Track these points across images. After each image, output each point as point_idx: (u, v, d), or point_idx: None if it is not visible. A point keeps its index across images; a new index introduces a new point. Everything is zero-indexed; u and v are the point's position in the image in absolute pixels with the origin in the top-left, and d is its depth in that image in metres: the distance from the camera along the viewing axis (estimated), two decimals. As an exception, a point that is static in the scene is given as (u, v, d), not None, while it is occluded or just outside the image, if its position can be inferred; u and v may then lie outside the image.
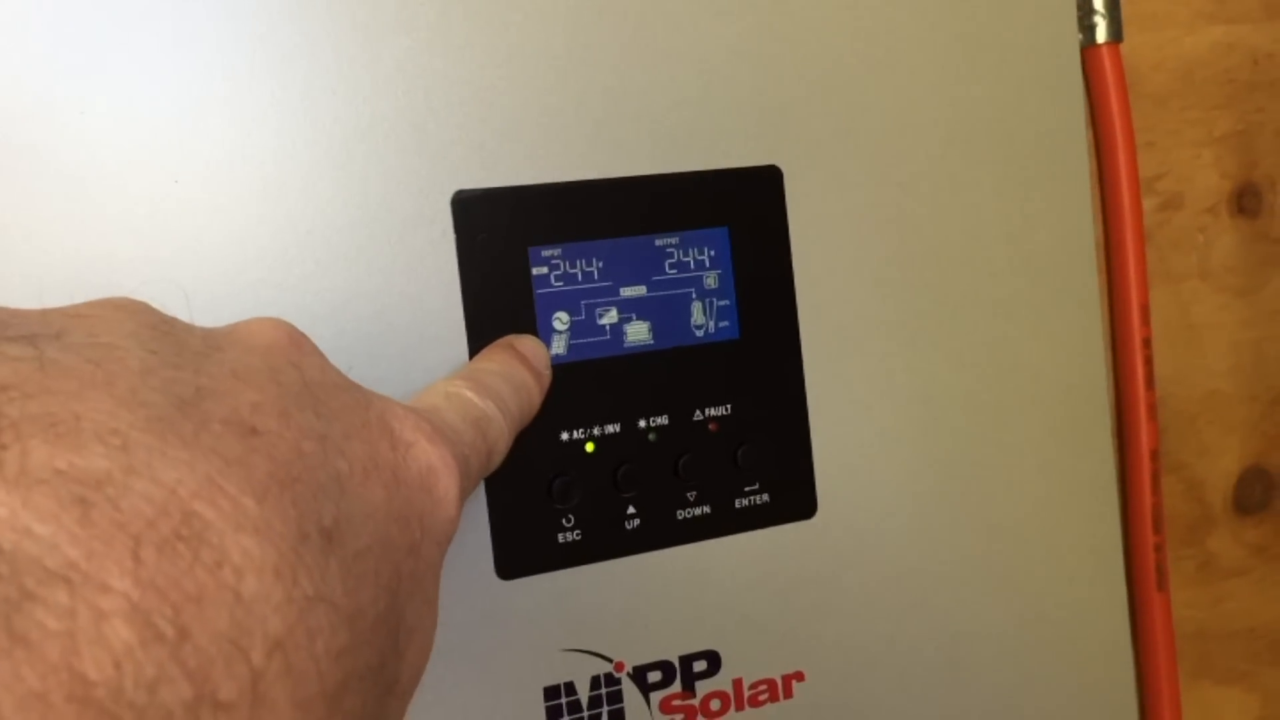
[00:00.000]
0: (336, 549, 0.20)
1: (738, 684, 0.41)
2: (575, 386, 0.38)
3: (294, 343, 0.25)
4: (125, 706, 0.15)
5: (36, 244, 0.32)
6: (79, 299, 0.32)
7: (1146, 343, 0.52)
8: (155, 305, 0.23)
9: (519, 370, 0.35)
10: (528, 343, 0.37)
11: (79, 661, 0.15)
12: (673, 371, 0.39)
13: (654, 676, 0.39)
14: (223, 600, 0.17)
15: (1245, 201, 0.56)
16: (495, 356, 0.36)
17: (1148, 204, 0.53)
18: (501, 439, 0.32)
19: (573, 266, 0.38)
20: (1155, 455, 0.52)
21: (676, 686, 0.40)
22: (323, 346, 0.35)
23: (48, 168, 0.33)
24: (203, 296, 0.34)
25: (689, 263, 0.39)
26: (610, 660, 0.39)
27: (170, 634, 0.16)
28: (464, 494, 0.27)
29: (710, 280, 0.40)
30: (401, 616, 0.23)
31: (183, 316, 0.24)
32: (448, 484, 0.25)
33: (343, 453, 0.22)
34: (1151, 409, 0.52)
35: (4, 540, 0.16)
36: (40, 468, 0.17)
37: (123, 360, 0.20)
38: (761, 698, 0.41)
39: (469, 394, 0.31)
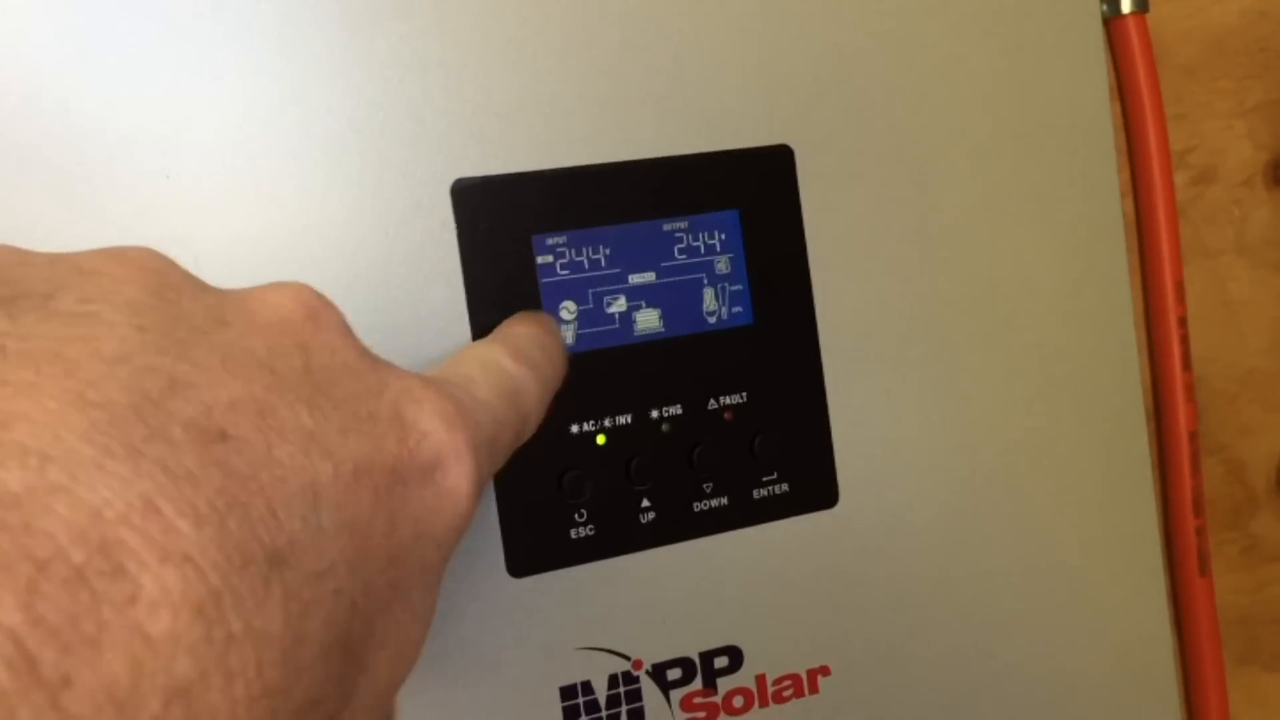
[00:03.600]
0: (286, 572, 0.19)
1: (761, 680, 0.39)
2: (584, 377, 0.37)
3: (310, 317, 0.23)
4: None
5: (26, 243, 0.32)
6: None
7: (1182, 321, 0.50)
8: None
9: (551, 337, 0.34)
10: (548, 318, 0.36)
11: None
12: (685, 360, 0.38)
13: (674, 674, 0.38)
14: (123, 642, 0.16)
15: (1281, 173, 0.54)
16: (526, 320, 0.35)
17: (1179, 178, 0.52)
18: (536, 408, 0.30)
19: (579, 254, 0.37)
20: (1194, 437, 0.51)
21: (698, 684, 0.39)
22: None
23: (36, 166, 0.32)
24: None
25: (699, 247, 0.38)
26: (628, 658, 0.38)
27: (53, 679, 0.15)
28: (482, 481, 0.25)
29: (722, 265, 0.39)
30: (368, 634, 0.21)
31: None
32: (458, 477, 0.24)
33: (330, 453, 0.20)
34: (1189, 389, 0.50)
35: None
36: None
37: (97, 342, 0.18)
38: (786, 694, 0.40)
39: (505, 360, 0.30)
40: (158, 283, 0.21)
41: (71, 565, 0.15)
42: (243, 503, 0.18)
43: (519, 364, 0.30)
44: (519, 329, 0.34)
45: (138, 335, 0.19)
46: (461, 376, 0.28)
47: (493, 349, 0.31)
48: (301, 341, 0.22)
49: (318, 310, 0.23)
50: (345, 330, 0.24)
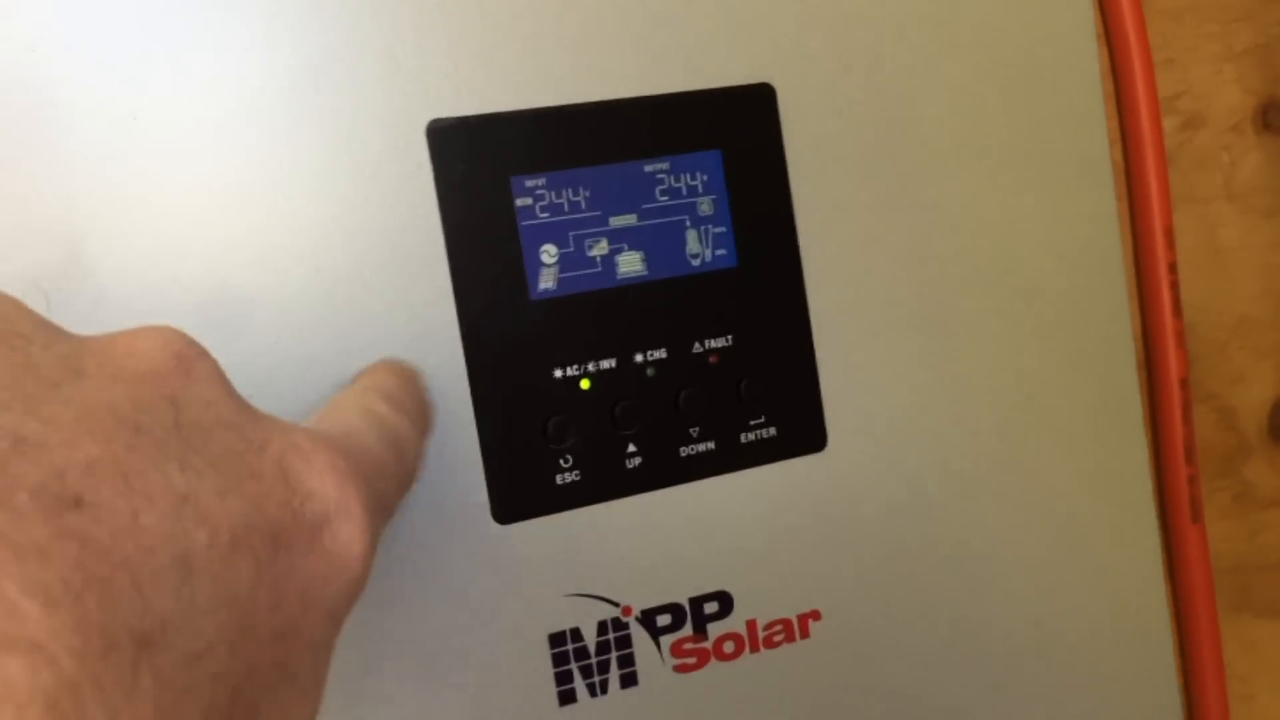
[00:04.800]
0: (157, 656, 0.16)
1: (751, 625, 0.39)
2: (567, 322, 0.37)
3: (180, 366, 0.21)
4: None
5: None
6: (35, 243, 0.31)
7: (1172, 268, 0.50)
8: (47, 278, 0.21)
9: (417, 387, 0.33)
10: (409, 367, 0.34)
11: None
12: (669, 303, 0.38)
13: (663, 620, 0.38)
14: None
15: (1270, 118, 0.54)
16: (390, 369, 0.33)
17: (1168, 124, 0.51)
18: (418, 459, 0.29)
19: (558, 196, 0.36)
20: (1185, 384, 0.50)
21: (687, 629, 0.38)
22: (298, 291, 0.34)
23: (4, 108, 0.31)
24: (168, 244, 0.33)
25: (681, 189, 0.38)
26: (617, 604, 0.38)
27: None
28: (374, 539, 0.23)
29: (704, 206, 0.38)
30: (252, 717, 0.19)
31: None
32: (350, 537, 0.22)
33: (206, 519, 0.18)
34: (1179, 336, 0.50)
35: None
36: None
37: None
38: (777, 638, 0.39)
39: (383, 408, 0.29)
40: (3, 329, 0.19)
41: None
42: (104, 578, 0.16)
43: (398, 413, 0.29)
44: (388, 378, 0.32)
45: None
46: (347, 426, 0.26)
47: (369, 397, 0.29)
48: (170, 393, 0.20)
49: (189, 359, 0.21)
50: (221, 380, 0.22)
